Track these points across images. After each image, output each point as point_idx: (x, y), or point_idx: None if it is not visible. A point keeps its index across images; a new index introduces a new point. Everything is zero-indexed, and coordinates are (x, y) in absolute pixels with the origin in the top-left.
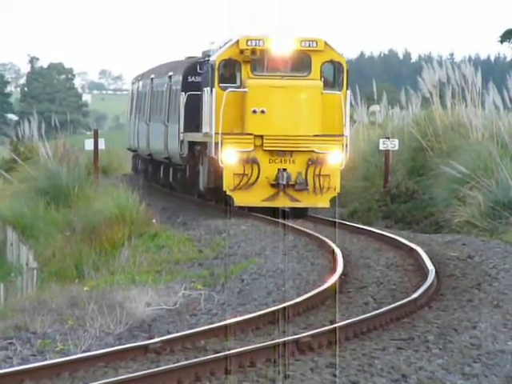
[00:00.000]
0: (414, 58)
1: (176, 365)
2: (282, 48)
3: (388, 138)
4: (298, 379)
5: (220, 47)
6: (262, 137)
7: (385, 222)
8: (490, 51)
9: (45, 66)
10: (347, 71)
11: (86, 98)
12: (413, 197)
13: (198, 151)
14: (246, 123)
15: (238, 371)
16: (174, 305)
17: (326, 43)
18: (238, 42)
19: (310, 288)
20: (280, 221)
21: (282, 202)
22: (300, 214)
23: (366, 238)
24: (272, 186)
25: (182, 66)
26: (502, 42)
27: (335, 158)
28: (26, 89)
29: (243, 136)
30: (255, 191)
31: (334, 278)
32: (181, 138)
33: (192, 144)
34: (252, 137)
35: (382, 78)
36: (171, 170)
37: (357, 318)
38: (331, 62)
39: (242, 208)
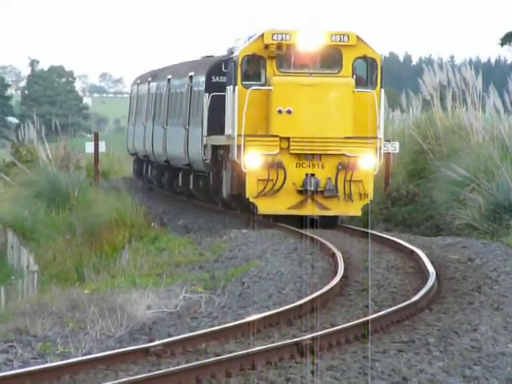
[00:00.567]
0: (415, 61)
1: (177, 368)
2: (310, 43)
3: (389, 141)
4: (299, 382)
5: (244, 42)
6: (288, 139)
7: (385, 224)
8: (491, 54)
9: (45, 68)
10: (381, 68)
11: (87, 100)
12: (413, 199)
13: (221, 155)
14: (270, 124)
15: (238, 374)
16: (174, 308)
17: (358, 37)
18: (262, 35)
19: (310, 291)
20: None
21: (310, 210)
22: (330, 223)
23: (367, 240)
24: (299, 192)
25: (205, 66)
26: (502, 44)
27: (368, 162)
28: (26, 92)
29: (268, 138)
30: (281, 198)
31: (334, 281)
32: (204, 142)
33: (215, 148)
34: (277, 139)
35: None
36: (191, 176)
37: (357, 321)
38: (364, 57)
39: (266, 217)
